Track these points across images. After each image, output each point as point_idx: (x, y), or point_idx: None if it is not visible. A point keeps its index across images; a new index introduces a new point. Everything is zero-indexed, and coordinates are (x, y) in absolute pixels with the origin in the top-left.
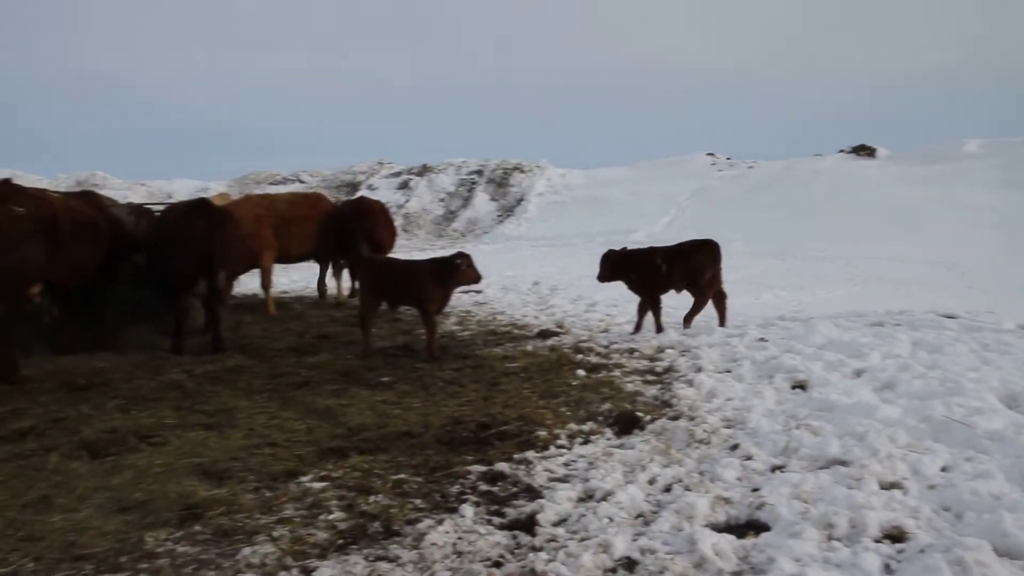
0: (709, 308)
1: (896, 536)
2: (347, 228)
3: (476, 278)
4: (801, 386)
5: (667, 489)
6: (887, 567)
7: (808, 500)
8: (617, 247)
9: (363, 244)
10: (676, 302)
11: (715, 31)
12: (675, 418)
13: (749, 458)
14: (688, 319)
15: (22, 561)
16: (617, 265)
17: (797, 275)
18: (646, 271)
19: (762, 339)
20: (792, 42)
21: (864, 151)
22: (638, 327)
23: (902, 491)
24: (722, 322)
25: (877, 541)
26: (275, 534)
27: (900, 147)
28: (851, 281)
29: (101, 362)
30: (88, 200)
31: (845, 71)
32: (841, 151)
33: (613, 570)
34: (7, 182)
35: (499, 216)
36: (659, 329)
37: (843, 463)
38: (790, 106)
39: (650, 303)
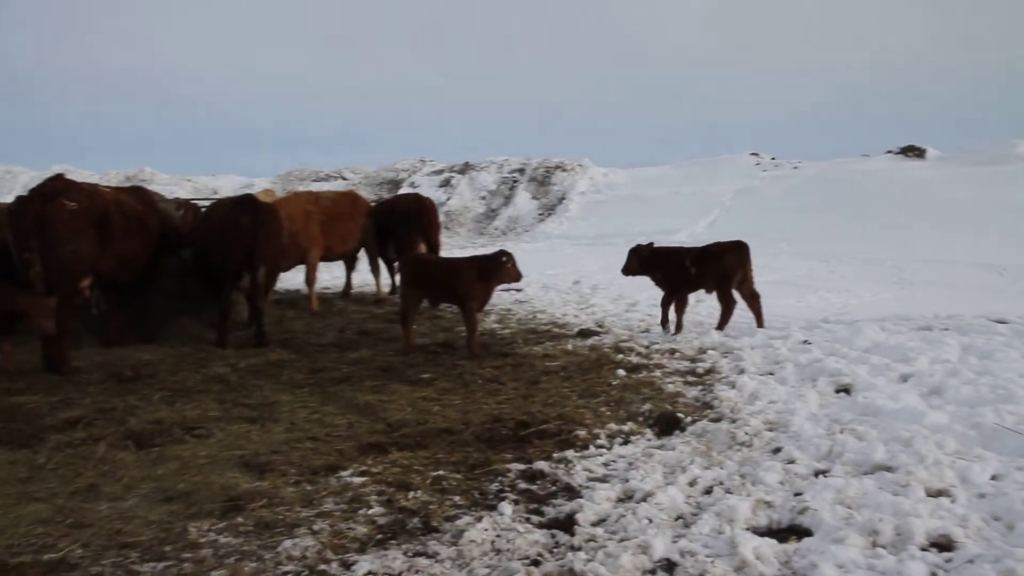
0: (744, 310)
1: (944, 545)
2: (404, 224)
3: (517, 276)
4: (845, 390)
5: (708, 491)
6: None
7: (852, 506)
8: (645, 243)
9: (420, 240)
10: (709, 305)
11: (759, 29)
12: (716, 420)
13: (792, 462)
14: (722, 324)
15: (71, 547)
16: (645, 261)
17: (842, 277)
18: (672, 270)
19: (806, 342)
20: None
21: (913, 152)
22: (665, 322)
23: (950, 499)
24: (760, 323)
25: (923, 549)
26: (315, 527)
27: (951, 148)
28: (898, 284)
29: (147, 354)
30: (137, 195)
31: (893, 70)
32: (889, 152)
33: (652, 571)
34: (60, 177)
35: (540, 215)
36: (678, 328)
37: (888, 469)
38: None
39: (675, 301)
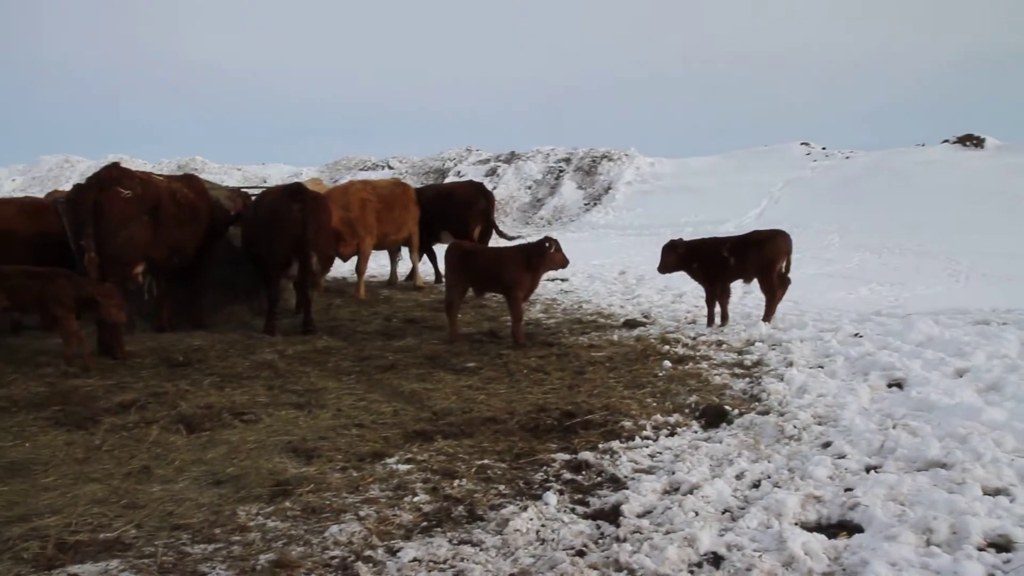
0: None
1: (1002, 545)
2: (465, 210)
3: (564, 262)
4: (898, 384)
5: (755, 485)
6: None
7: (905, 503)
8: (675, 237)
9: (478, 227)
10: (757, 296)
11: (811, 15)
12: (764, 413)
13: (842, 456)
14: (769, 315)
15: (125, 527)
16: (682, 256)
17: (895, 269)
18: (711, 262)
19: (857, 335)
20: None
21: (971, 141)
22: (712, 320)
23: (1009, 498)
24: (769, 316)
25: (980, 549)
26: (361, 513)
27: (1011, 137)
28: (953, 277)
29: (198, 340)
30: (189, 183)
31: (951, 57)
32: (946, 141)
33: (699, 564)
34: (116, 166)
35: (586, 204)
36: (724, 319)
37: (943, 466)
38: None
39: (715, 293)
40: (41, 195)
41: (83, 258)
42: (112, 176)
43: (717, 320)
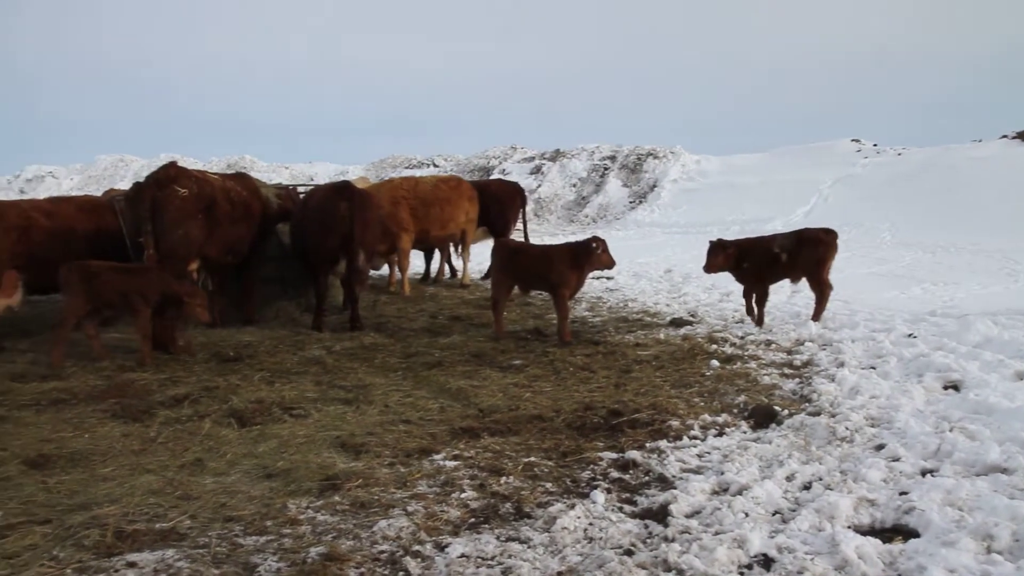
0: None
1: None
2: (507, 208)
3: (610, 263)
4: (954, 386)
5: (806, 487)
6: None
7: (964, 508)
8: (719, 237)
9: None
10: (806, 295)
11: (862, 7)
12: (815, 414)
13: (896, 459)
14: (818, 314)
15: (180, 518)
16: (731, 256)
17: (949, 268)
18: (762, 261)
19: (911, 335)
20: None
21: None
22: (751, 312)
23: None
24: (823, 312)
25: None
26: (409, 509)
27: None
28: (1010, 276)
29: (248, 336)
30: (242, 181)
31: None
32: (1004, 136)
33: (749, 566)
34: (174, 165)
35: (631, 202)
36: (762, 321)
37: (1004, 471)
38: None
39: (766, 293)
40: (98, 193)
41: (142, 255)
42: (170, 175)
43: (766, 320)
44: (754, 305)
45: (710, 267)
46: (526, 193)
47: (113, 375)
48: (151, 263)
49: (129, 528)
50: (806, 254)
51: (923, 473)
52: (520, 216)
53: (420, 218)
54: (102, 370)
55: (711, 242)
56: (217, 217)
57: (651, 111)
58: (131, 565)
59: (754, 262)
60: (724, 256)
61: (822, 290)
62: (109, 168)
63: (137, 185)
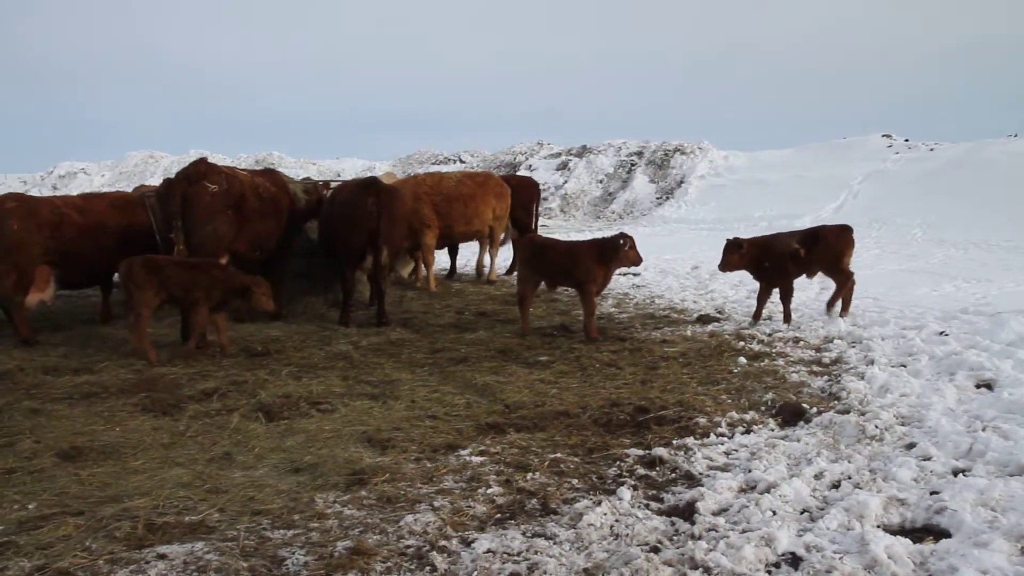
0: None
1: None
2: (528, 204)
3: (637, 260)
4: (987, 385)
5: (835, 485)
6: None
7: (997, 508)
8: (732, 236)
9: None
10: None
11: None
12: (844, 412)
13: (927, 459)
14: (847, 305)
15: (208, 511)
16: (747, 255)
17: (982, 265)
18: (783, 257)
19: (943, 333)
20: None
21: None
22: (788, 315)
23: None
24: (837, 305)
25: None
26: (436, 504)
27: None
28: None
29: (275, 331)
30: (271, 177)
31: None
32: None
33: (776, 565)
34: (204, 161)
35: (658, 198)
36: (789, 318)
37: None
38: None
39: (790, 289)
40: (128, 189)
41: (172, 251)
42: (200, 171)
43: (794, 316)
44: (779, 302)
45: (726, 265)
46: (550, 189)
47: (143, 369)
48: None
49: (159, 520)
50: (826, 249)
51: (955, 473)
52: (534, 211)
53: (443, 215)
54: (132, 364)
55: (728, 240)
56: (246, 213)
57: (679, 107)
58: (161, 557)
59: (775, 259)
60: (739, 255)
61: (845, 280)
62: (139, 164)
63: (167, 181)
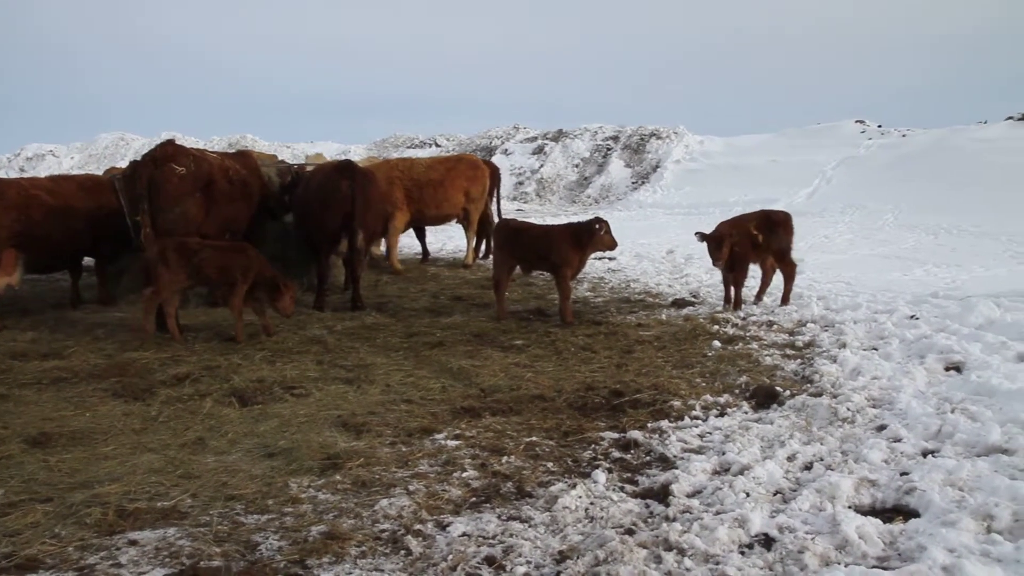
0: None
1: None
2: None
3: (612, 244)
4: (956, 368)
5: (807, 467)
6: None
7: (964, 488)
8: (698, 232)
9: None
10: (808, 276)
11: None
12: (817, 395)
13: (897, 440)
14: (788, 295)
15: (181, 497)
16: (730, 243)
17: (952, 250)
18: (745, 243)
19: (913, 317)
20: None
21: None
22: (735, 299)
23: None
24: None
25: None
26: (411, 488)
27: None
28: (1013, 258)
29: (249, 315)
30: (242, 160)
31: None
32: (1010, 118)
33: (749, 546)
34: (171, 143)
35: (634, 183)
36: (738, 305)
37: (1005, 452)
38: (951, 71)
39: (742, 275)
40: (98, 172)
41: (139, 233)
42: (167, 153)
43: (766, 300)
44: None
45: (719, 259)
46: (526, 173)
47: (114, 354)
48: (149, 242)
49: (130, 506)
50: (780, 233)
51: (924, 454)
52: (495, 194)
53: (414, 199)
54: (103, 349)
55: (708, 236)
56: (215, 196)
57: (655, 91)
58: (133, 543)
59: (740, 244)
60: (726, 244)
61: (792, 270)
62: (110, 147)
63: (134, 164)
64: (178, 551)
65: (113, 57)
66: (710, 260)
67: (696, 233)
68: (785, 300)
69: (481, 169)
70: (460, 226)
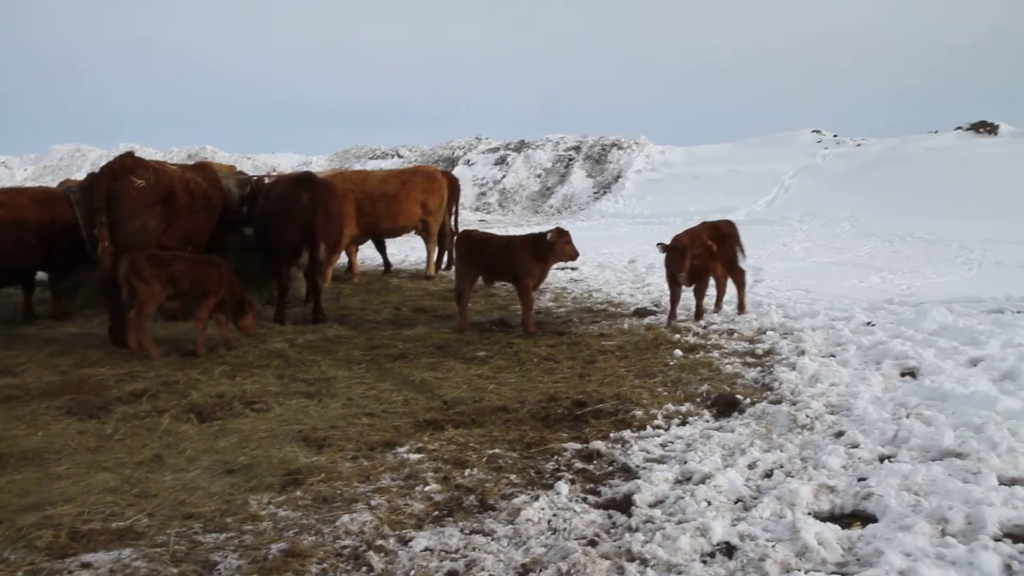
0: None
1: (1019, 536)
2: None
3: (573, 255)
4: (911, 373)
5: (768, 474)
6: (1008, 568)
7: (920, 492)
8: (660, 243)
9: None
10: (767, 284)
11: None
12: (776, 402)
13: (855, 446)
14: (742, 303)
15: (137, 516)
16: (690, 255)
17: (906, 258)
18: (703, 253)
19: (869, 323)
20: (905, 12)
21: (985, 128)
22: (700, 311)
23: None
24: (719, 306)
25: (997, 540)
26: (373, 503)
27: None
28: (966, 265)
29: (208, 329)
30: (203, 172)
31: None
32: (959, 128)
33: (711, 555)
34: (130, 155)
35: (596, 193)
36: (673, 317)
37: (958, 455)
38: (904, 82)
39: (705, 285)
40: (53, 184)
41: (96, 247)
42: (126, 165)
43: (726, 308)
44: (673, 299)
45: (682, 270)
46: (488, 184)
47: (68, 371)
48: (107, 256)
49: (84, 528)
50: (729, 244)
51: (881, 459)
52: (453, 206)
53: (367, 212)
54: (57, 365)
55: (669, 247)
56: (175, 208)
57: (616, 102)
58: (86, 566)
59: (699, 256)
60: (689, 255)
61: (742, 277)
62: (65, 158)
63: (92, 176)
64: (133, 572)
65: (68, 67)
66: (669, 272)
67: (658, 244)
68: (741, 308)
69: (438, 181)
70: (421, 238)
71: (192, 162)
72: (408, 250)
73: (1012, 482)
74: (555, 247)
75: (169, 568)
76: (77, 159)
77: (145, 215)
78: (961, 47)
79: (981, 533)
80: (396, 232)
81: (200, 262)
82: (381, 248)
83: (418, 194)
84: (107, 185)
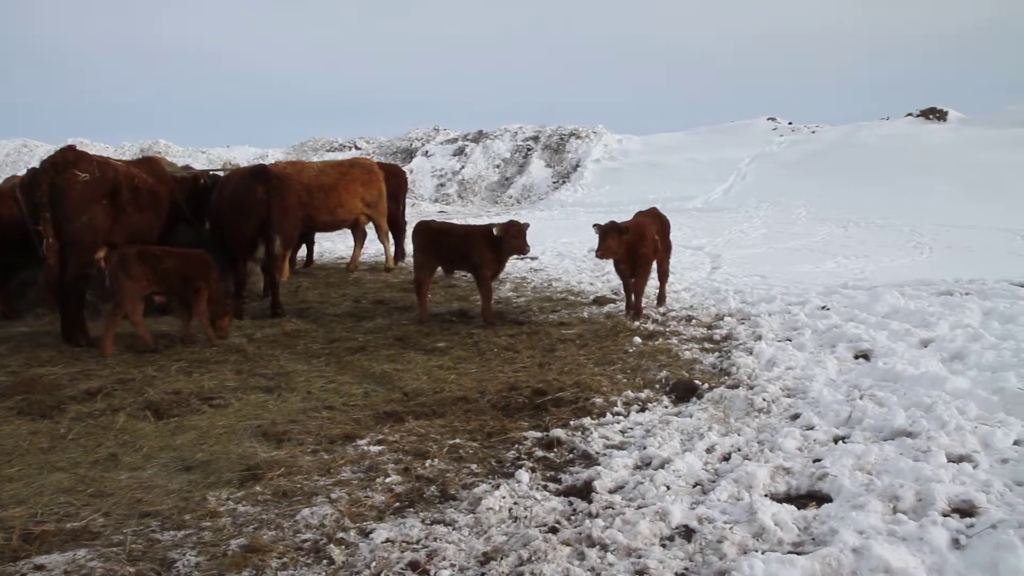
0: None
1: (966, 511)
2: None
3: (522, 250)
4: (865, 356)
5: (726, 458)
6: (956, 542)
7: (872, 472)
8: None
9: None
10: (725, 271)
11: None
12: (734, 386)
13: (810, 428)
14: (663, 296)
15: (93, 516)
16: (626, 240)
17: (860, 243)
18: (649, 244)
19: (824, 307)
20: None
21: (934, 114)
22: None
23: (972, 464)
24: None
25: (945, 515)
26: (333, 496)
27: (975, 110)
28: (917, 249)
29: (164, 325)
30: (149, 166)
31: (914, 31)
32: (909, 115)
33: (671, 538)
34: (72, 149)
35: (555, 183)
36: (631, 306)
37: (909, 435)
38: (856, 70)
39: (647, 276)
40: None
41: (41, 243)
42: (68, 159)
43: (687, 296)
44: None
45: (605, 252)
46: (447, 175)
47: (19, 371)
48: (52, 253)
49: (37, 529)
50: (666, 235)
51: (835, 440)
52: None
53: (304, 204)
54: (7, 366)
55: (603, 225)
56: (123, 204)
57: (573, 91)
58: (39, 568)
59: (646, 246)
60: (620, 240)
61: (667, 268)
62: (11, 154)
63: (33, 170)
64: (89, 573)
65: (13, 61)
66: (599, 251)
67: (594, 225)
68: (662, 300)
69: (375, 173)
70: (375, 232)
71: (144, 156)
72: (367, 243)
73: (960, 459)
74: (502, 242)
75: (126, 567)
76: (24, 154)
77: (92, 210)
78: (911, 34)
79: (930, 509)
80: (335, 225)
81: (191, 257)
82: (308, 242)
83: (357, 187)
84: (49, 179)
